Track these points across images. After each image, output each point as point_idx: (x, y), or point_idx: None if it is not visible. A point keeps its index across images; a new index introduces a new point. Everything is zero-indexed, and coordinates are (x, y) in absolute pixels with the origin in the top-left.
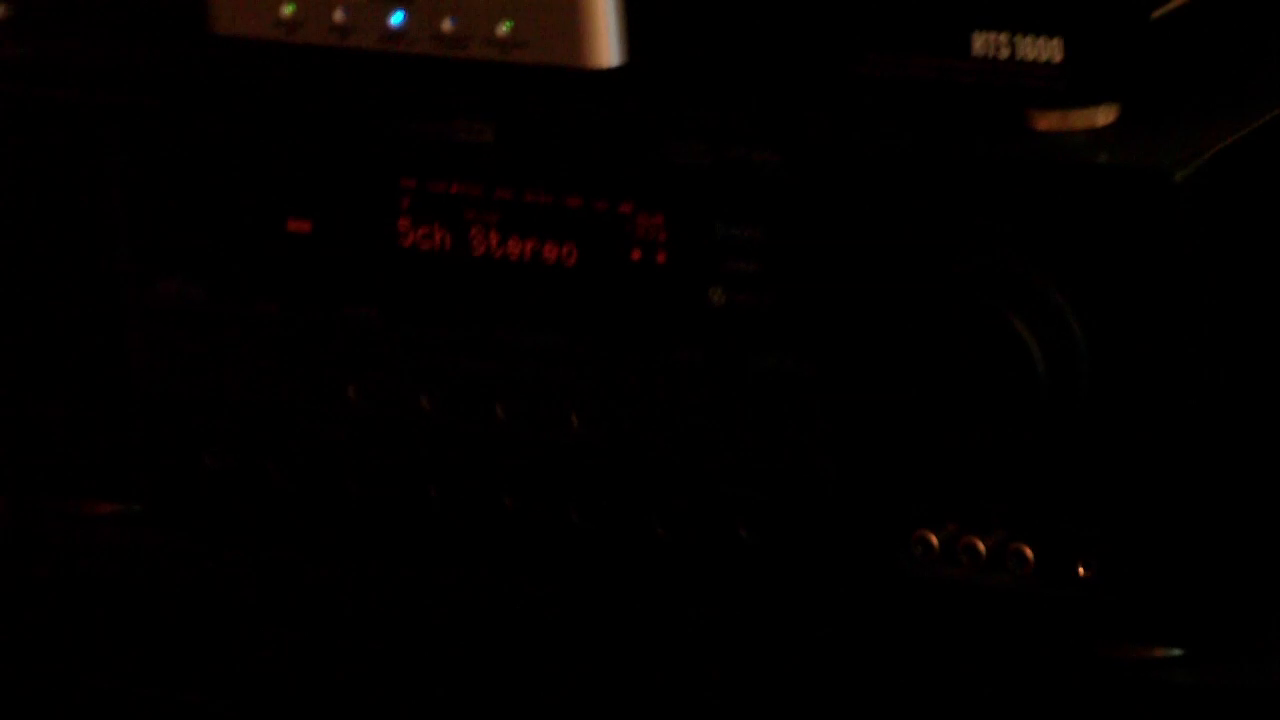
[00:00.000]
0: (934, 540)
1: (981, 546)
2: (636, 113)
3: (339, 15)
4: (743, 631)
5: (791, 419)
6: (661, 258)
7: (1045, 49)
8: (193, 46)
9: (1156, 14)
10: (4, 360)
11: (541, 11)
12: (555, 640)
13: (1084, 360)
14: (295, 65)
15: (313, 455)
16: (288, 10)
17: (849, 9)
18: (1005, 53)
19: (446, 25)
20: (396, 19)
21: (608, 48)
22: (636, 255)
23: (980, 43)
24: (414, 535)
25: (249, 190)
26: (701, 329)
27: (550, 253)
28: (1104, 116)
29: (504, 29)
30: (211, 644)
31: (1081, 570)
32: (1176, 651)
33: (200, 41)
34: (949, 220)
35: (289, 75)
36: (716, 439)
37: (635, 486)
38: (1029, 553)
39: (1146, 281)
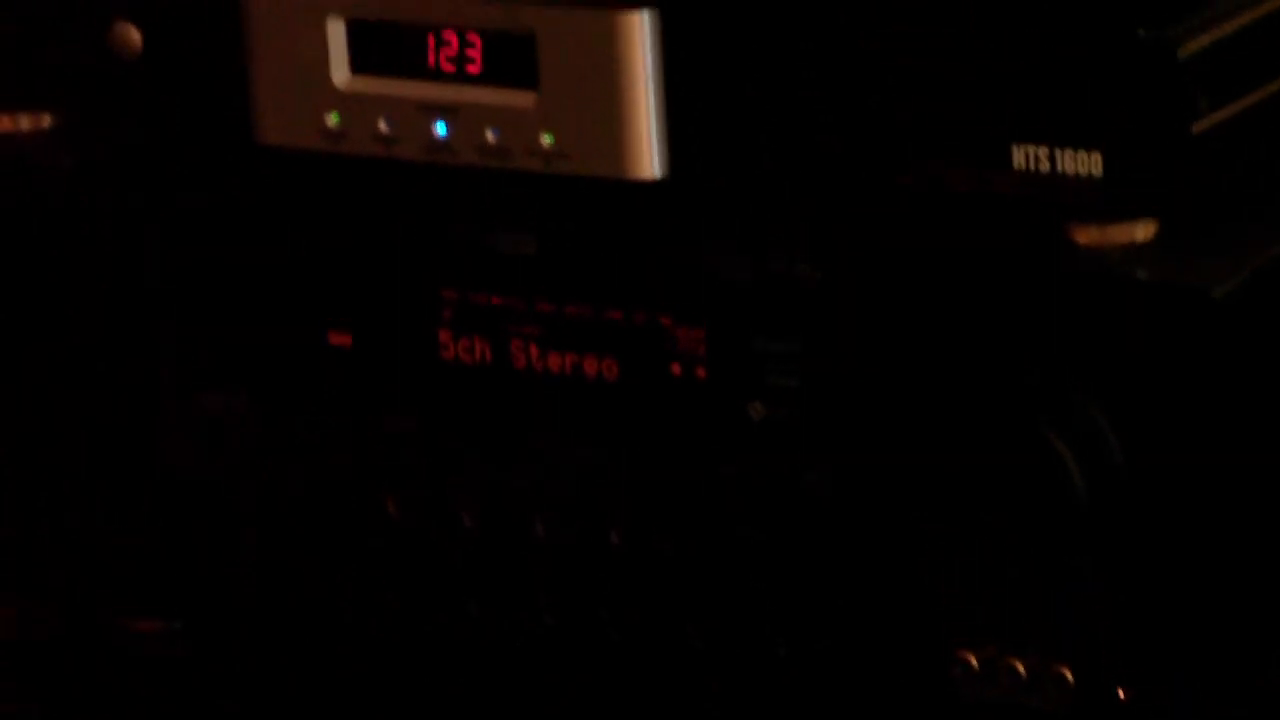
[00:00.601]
0: (974, 661)
1: (1021, 668)
2: (678, 225)
3: (383, 126)
4: None
5: (831, 535)
6: (701, 372)
7: (1085, 163)
8: (238, 156)
9: (1197, 129)
10: (48, 471)
11: (584, 124)
12: None
13: (1123, 477)
14: (339, 176)
15: (353, 568)
16: (333, 121)
17: (890, 122)
18: (1045, 166)
19: (489, 137)
20: (440, 130)
21: (650, 160)
22: (676, 369)
23: (1020, 156)
24: (454, 650)
25: (291, 301)
26: (741, 443)
27: (590, 366)
28: (1143, 231)
29: (546, 141)
30: None
31: (1121, 694)
32: None
33: (246, 151)
34: (988, 334)
35: (333, 186)
36: (756, 554)
37: (674, 601)
38: (1069, 675)
39: (1186, 398)
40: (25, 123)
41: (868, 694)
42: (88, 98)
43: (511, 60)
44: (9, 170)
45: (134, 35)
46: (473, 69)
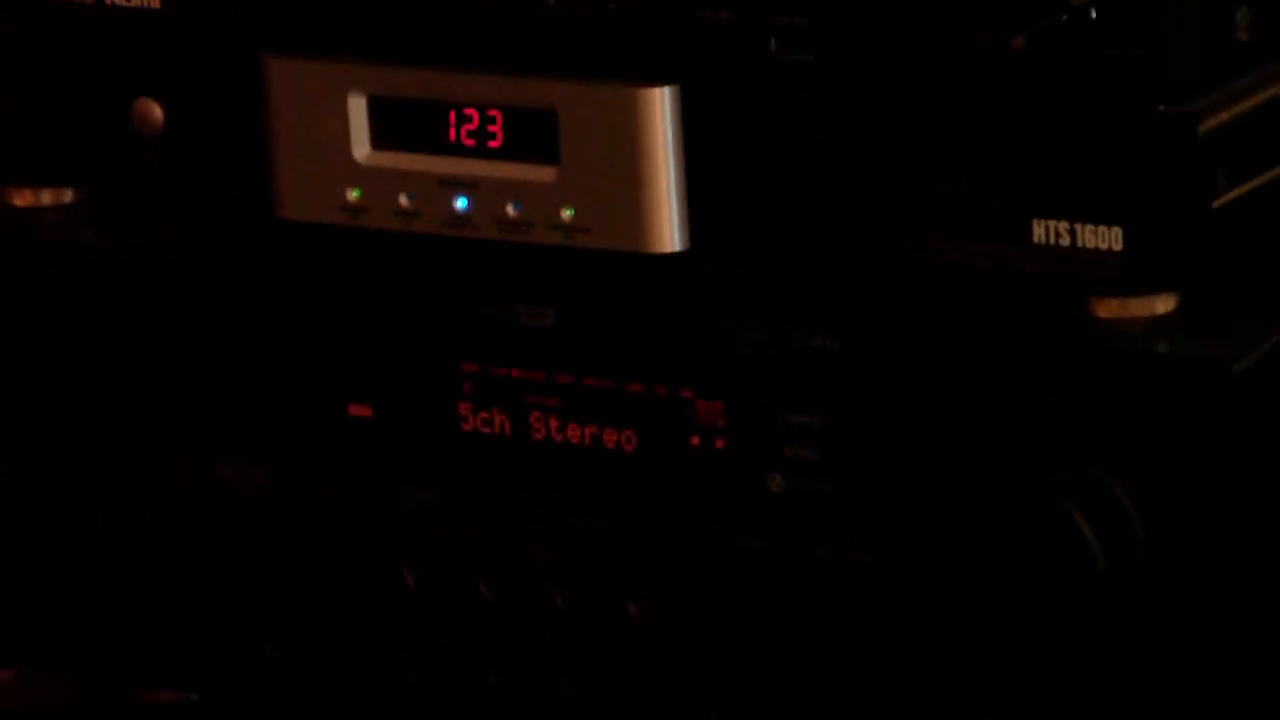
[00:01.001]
0: None
1: None
2: (697, 298)
3: (404, 200)
4: None
5: (852, 609)
6: (721, 444)
7: (1105, 237)
8: (259, 231)
9: (1217, 203)
10: (61, 536)
11: (604, 197)
12: None
13: (1143, 551)
14: (360, 249)
15: (371, 641)
16: (353, 195)
17: (910, 196)
18: (1065, 240)
19: (510, 210)
20: (461, 204)
21: (670, 233)
22: (696, 441)
23: (1040, 230)
24: None
25: (311, 374)
26: (761, 516)
27: (610, 438)
28: (1163, 305)
29: (567, 214)
30: None
31: None
32: None
33: (267, 226)
34: (1008, 408)
35: (353, 259)
36: (776, 628)
37: (693, 674)
38: None
39: (1206, 473)
40: (47, 197)
41: None
42: (109, 173)
43: (532, 135)
44: (30, 245)
45: (156, 111)
46: (494, 144)
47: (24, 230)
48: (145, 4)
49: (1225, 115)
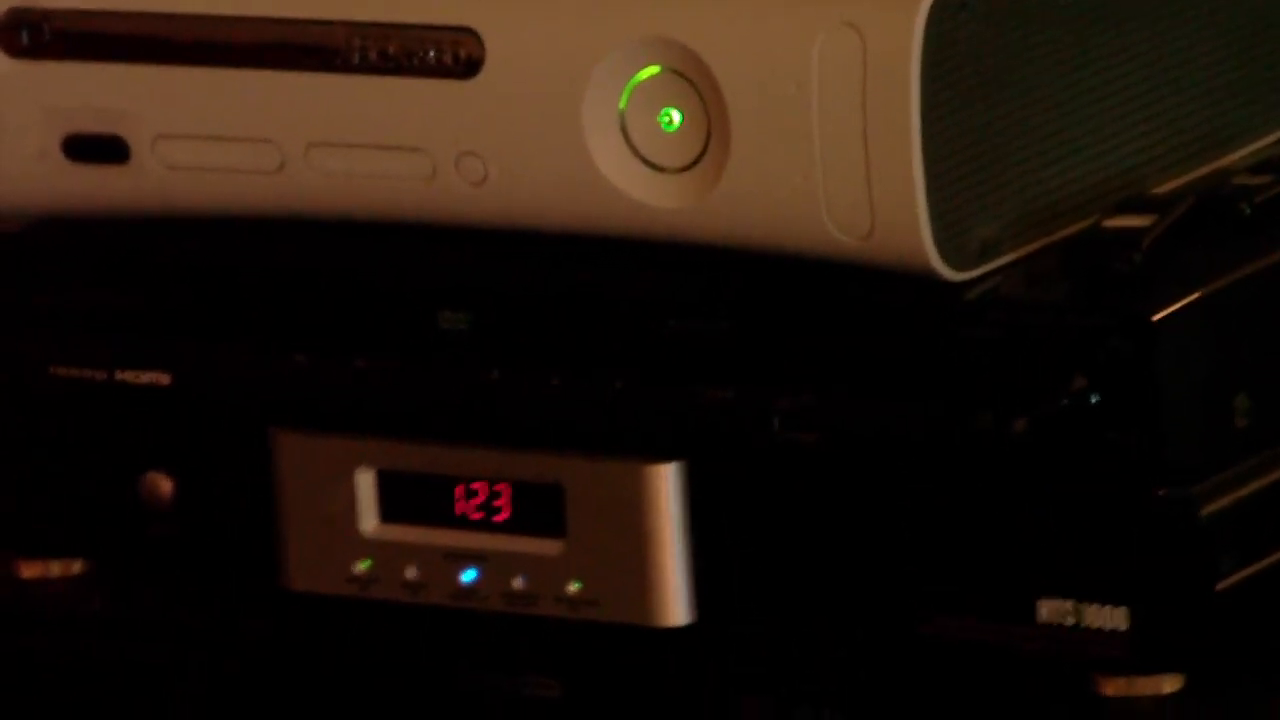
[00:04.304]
0: None
1: None
2: (705, 672)
3: (411, 572)
4: None
5: None
6: None
7: (1111, 618)
8: (266, 602)
9: (1221, 586)
10: None
11: (611, 571)
12: None
13: None
14: (366, 621)
15: None
16: (361, 567)
17: (914, 573)
18: (1071, 620)
19: (517, 583)
20: (468, 576)
21: (677, 607)
22: None
23: (1046, 610)
24: None
25: None
26: None
27: None
28: (1170, 685)
29: (573, 588)
30: None
31: None
32: None
33: (274, 597)
34: None
35: (360, 631)
36: None
37: None
38: None
39: None
40: (56, 569)
41: None
42: (118, 545)
43: (539, 509)
44: (38, 616)
45: (165, 485)
46: (500, 517)
47: (32, 602)
48: (155, 380)
49: (1227, 500)
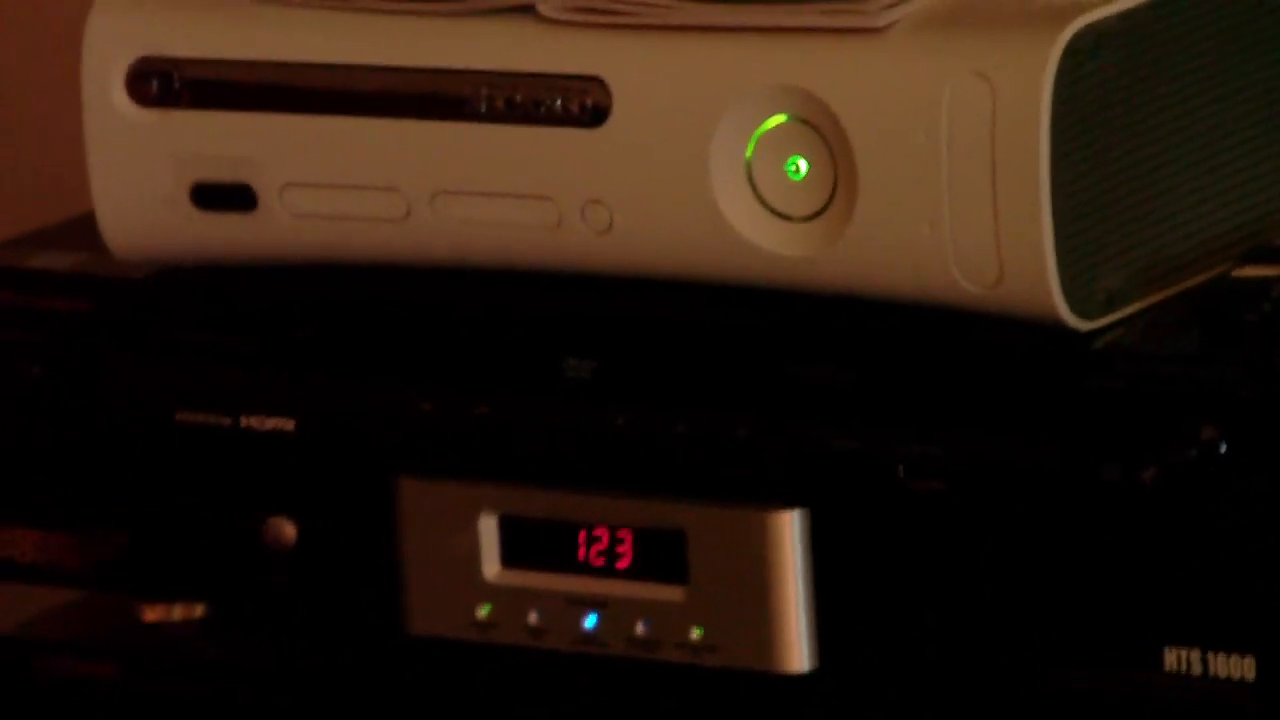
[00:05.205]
0: None
1: None
2: (826, 719)
3: (533, 618)
4: None
5: None
6: None
7: (1238, 666)
8: (389, 647)
9: None
10: None
11: (733, 618)
12: None
13: None
14: (488, 666)
15: None
16: (483, 612)
17: (1040, 622)
18: (1197, 669)
19: (639, 629)
20: (590, 622)
21: (798, 654)
22: None
23: (1172, 658)
24: None
25: None
26: None
27: None
28: None
29: (695, 634)
30: None
31: None
32: None
33: (396, 642)
34: None
35: (482, 676)
36: None
37: None
38: None
39: None
40: (178, 613)
41: None
42: (239, 589)
43: (661, 555)
44: (160, 661)
45: (288, 529)
46: (623, 564)
47: (153, 646)
48: (279, 426)
49: None
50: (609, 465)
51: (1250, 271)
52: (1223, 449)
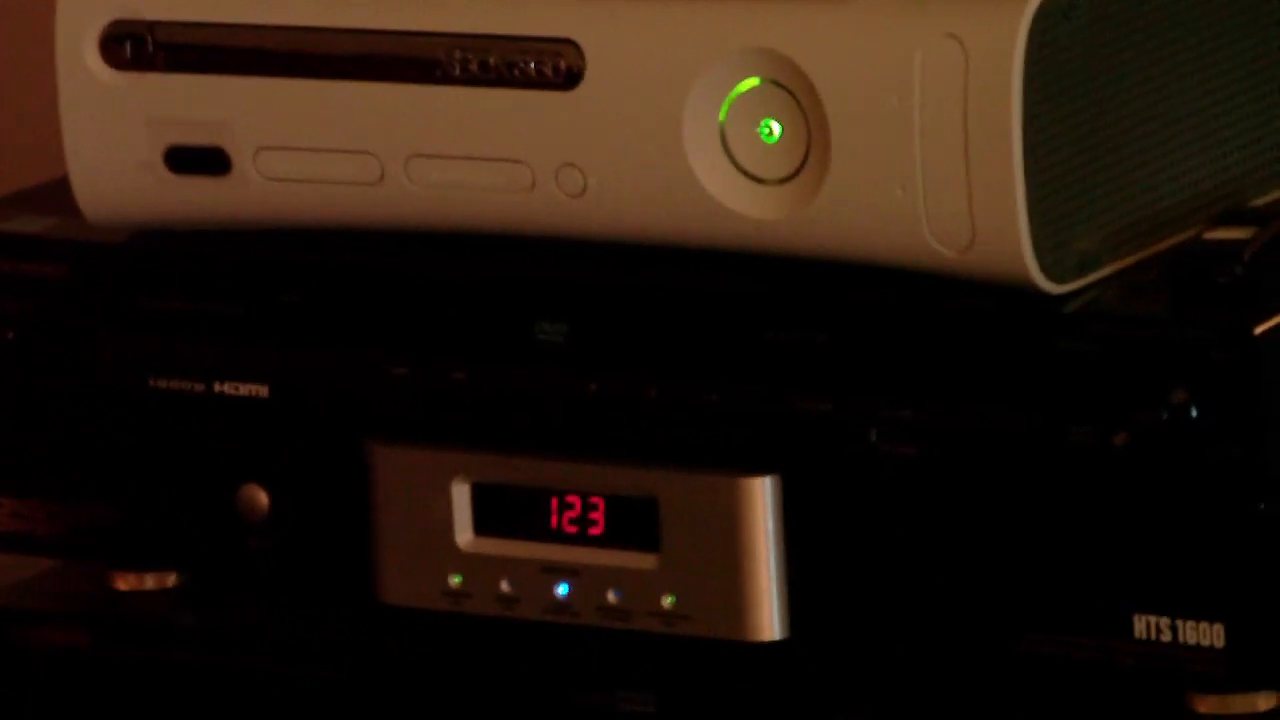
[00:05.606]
0: None
1: None
2: (798, 687)
3: (505, 586)
4: None
5: None
6: None
7: (1206, 634)
8: (360, 616)
9: None
10: None
11: (704, 585)
12: None
13: None
14: (460, 635)
15: None
16: (455, 581)
17: (1010, 588)
18: (1166, 636)
19: (610, 597)
20: (562, 590)
21: (771, 622)
22: None
23: (1141, 625)
24: None
25: None
26: None
27: None
28: (1264, 702)
29: (667, 602)
30: None
31: None
32: None
33: (367, 611)
34: None
35: (453, 645)
36: None
37: None
38: None
39: None
40: (150, 582)
41: None
42: (213, 557)
43: (633, 522)
44: (133, 629)
45: (261, 497)
46: (595, 531)
47: (126, 615)
48: (254, 392)
49: None
50: (581, 432)
51: (1222, 234)
52: (1194, 412)
